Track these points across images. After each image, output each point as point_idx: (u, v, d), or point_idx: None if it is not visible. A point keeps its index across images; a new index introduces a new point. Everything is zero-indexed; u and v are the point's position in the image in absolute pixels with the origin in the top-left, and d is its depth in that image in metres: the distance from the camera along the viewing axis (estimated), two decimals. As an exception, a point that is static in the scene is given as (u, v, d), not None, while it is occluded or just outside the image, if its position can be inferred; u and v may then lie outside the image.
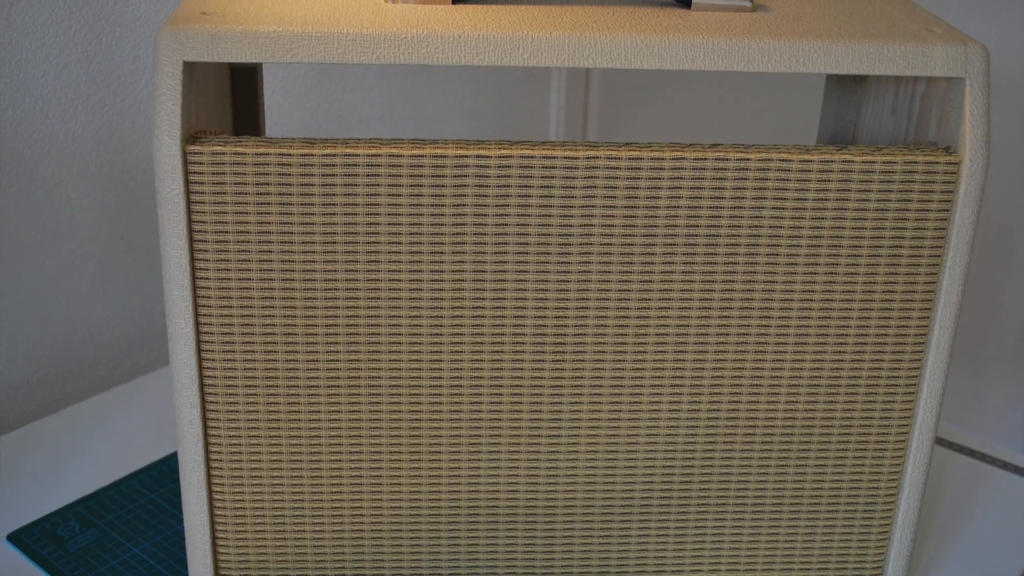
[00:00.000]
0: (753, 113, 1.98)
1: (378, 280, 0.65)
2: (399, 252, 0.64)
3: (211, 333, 0.65)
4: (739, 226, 0.65)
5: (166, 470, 0.90)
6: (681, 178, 0.64)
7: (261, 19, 0.62)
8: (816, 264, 0.67)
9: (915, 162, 0.65)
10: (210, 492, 0.69)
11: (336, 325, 0.66)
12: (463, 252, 0.65)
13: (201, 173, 0.62)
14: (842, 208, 0.65)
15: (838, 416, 0.71)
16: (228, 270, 0.64)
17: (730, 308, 0.67)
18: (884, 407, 0.71)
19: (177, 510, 0.85)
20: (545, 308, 0.67)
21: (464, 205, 0.64)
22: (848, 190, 0.65)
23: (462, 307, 0.66)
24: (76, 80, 0.98)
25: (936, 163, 0.65)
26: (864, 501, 0.74)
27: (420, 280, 0.65)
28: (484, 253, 0.65)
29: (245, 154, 0.62)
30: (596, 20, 0.65)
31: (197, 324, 0.65)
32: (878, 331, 0.69)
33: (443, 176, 0.63)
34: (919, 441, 0.72)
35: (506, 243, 0.65)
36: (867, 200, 0.65)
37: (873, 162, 0.64)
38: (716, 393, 0.70)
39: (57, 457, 0.92)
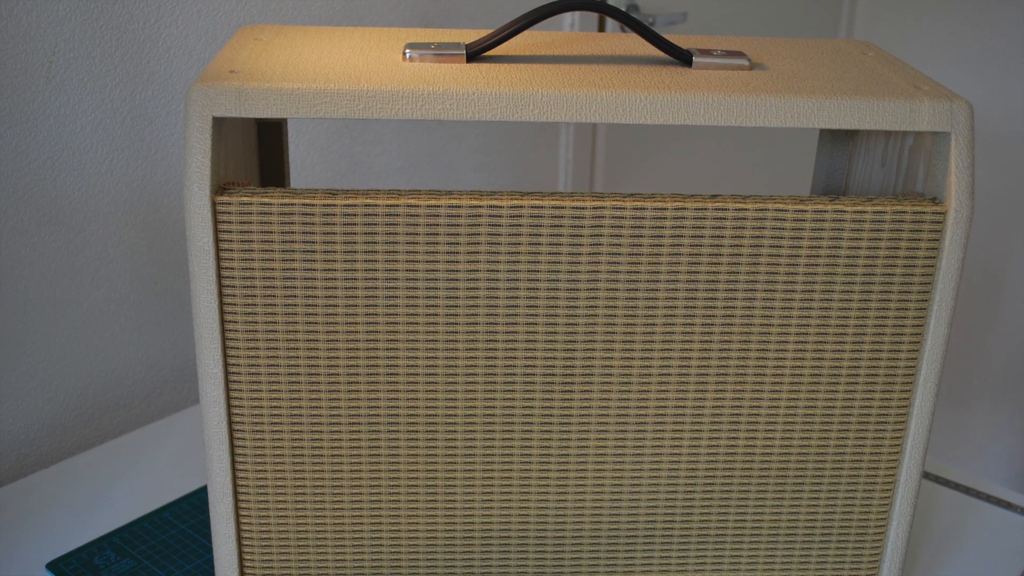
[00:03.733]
0: (751, 165, 1.99)
1: (396, 322, 0.65)
2: (416, 296, 0.64)
3: (239, 372, 0.65)
4: (737, 272, 0.65)
5: (196, 502, 0.90)
6: (683, 227, 0.64)
7: (286, 77, 0.62)
8: (810, 307, 0.66)
9: (904, 212, 0.65)
10: (238, 522, 0.69)
11: (357, 365, 0.66)
12: (477, 296, 0.65)
13: (229, 223, 0.62)
14: (834, 255, 0.65)
15: (831, 451, 0.70)
16: (255, 313, 0.64)
17: (729, 348, 0.67)
18: (874, 443, 0.70)
19: (207, 540, 0.85)
20: (554, 347, 0.66)
21: (478, 252, 0.64)
22: (840, 238, 0.65)
23: (476, 348, 0.66)
24: (111, 134, 0.98)
25: (923, 213, 0.65)
26: (855, 534, 0.73)
27: (436, 322, 0.65)
28: (496, 297, 0.65)
29: (271, 204, 0.62)
30: (602, 78, 0.65)
31: (226, 364, 0.65)
32: (869, 371, 0.68)
33: (458, 225, 0.63)
34: (907, 475, 0.71)
35: (517, 287, 0.65)
36: (858, 247, 0.65)
37: (864, 212, 0.64)
38: (715, 429, 0.69)
39: (93, 490, 0.92)
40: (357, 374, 0.66)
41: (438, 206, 0.62)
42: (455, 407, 0.67)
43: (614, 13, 0.67)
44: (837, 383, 0.68)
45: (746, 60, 0.68)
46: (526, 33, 0.75)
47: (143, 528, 0.86)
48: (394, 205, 0.62)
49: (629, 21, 0.67)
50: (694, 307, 0.66)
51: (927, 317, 0.67)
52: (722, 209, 0.64)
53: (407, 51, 0.67)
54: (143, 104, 1.00)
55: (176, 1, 0.99)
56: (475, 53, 0.67)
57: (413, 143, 1.28)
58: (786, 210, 0.64)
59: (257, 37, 0.71)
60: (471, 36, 0.73)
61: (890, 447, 0.70)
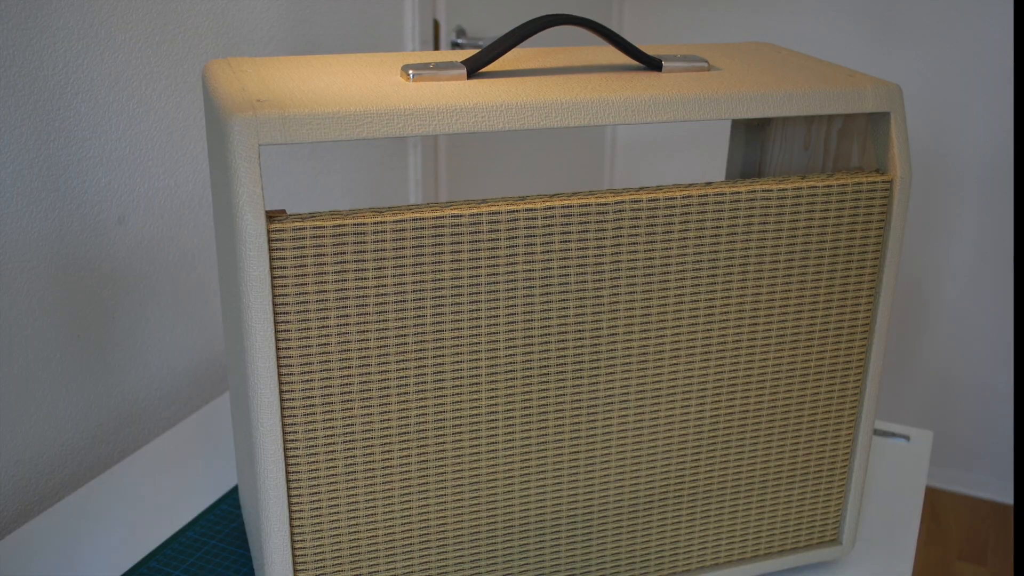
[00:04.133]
0: (565, 168, 2.08)
1: (443, 329, 0.67)
2: (460, 303, 0.67)
3: (293, 398, 0.65)
4: (733, 249, 0.72)
5: (177, 547, 0.87)
6: (689, 213, 0.70)
7: (316, 103, 0.63)
8: (790, 275, 0.74)
9: (861, 183, 0.74)
10: (293, 549, 0.69)
11: (406, 375, 0.67)
12: (515, 297, 0.68)
13: (283, 249, 0.62)
14: (809, 225, 0.73)
15: (808, 397, 0.79)
16: (309, 338, 0.65)
17: (727, 320, 0.74)
18: (842, 383, 0.79)
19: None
20: (583, 337, 0.71)
21: (516, 254, 0.67)
22: (814, 210, 0.73)
23: (514, 346, 0.69)
24: (30, 186, 0.94)
25: (876, 183, 0.74)
26: (826, 473, 0.82)
27: (478, 326, 0.68)
28: (532, 297, 0.68)
29: (324, 227, 0.63)
30: (597, 86, 0.69)
31: (280, 391, 0.65)
32: (836, 324, 0.77)
33: (498, 230, 0.66)
34: (866, 412, 0.81)
35: (550, 285, 0.68)
36: (827, 216, 0.74)
37: (831, 185, 0.73)
38: (716, 396, 0.76)
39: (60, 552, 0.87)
40: (406, 383, 0.68)
41: (480, 214, 0.65)
42: (496, 406, 0.70)
43: (597, 28, 0.72)
44: (812, 338, 0.77)
45: (705, 63, 0.75)
46: (514, 49, 0.79)
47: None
48: (440, 217, 0.65)
49: (608, 34, 0.73)
50: (699, 285, 0.72)
51: (880, 272, 0.77)
52: (720, 194, 0.70)
53: (410, 71, 0.69)
54: (55, 153, 0.95)
55: (82, 46, 0.95)
56: (473, 69, 0.71)
57: (288, 174, 1.27)
58: (771, 190, 0.72)
59: (243, 69, 0.71)
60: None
61: (854, 383, 0.80)
